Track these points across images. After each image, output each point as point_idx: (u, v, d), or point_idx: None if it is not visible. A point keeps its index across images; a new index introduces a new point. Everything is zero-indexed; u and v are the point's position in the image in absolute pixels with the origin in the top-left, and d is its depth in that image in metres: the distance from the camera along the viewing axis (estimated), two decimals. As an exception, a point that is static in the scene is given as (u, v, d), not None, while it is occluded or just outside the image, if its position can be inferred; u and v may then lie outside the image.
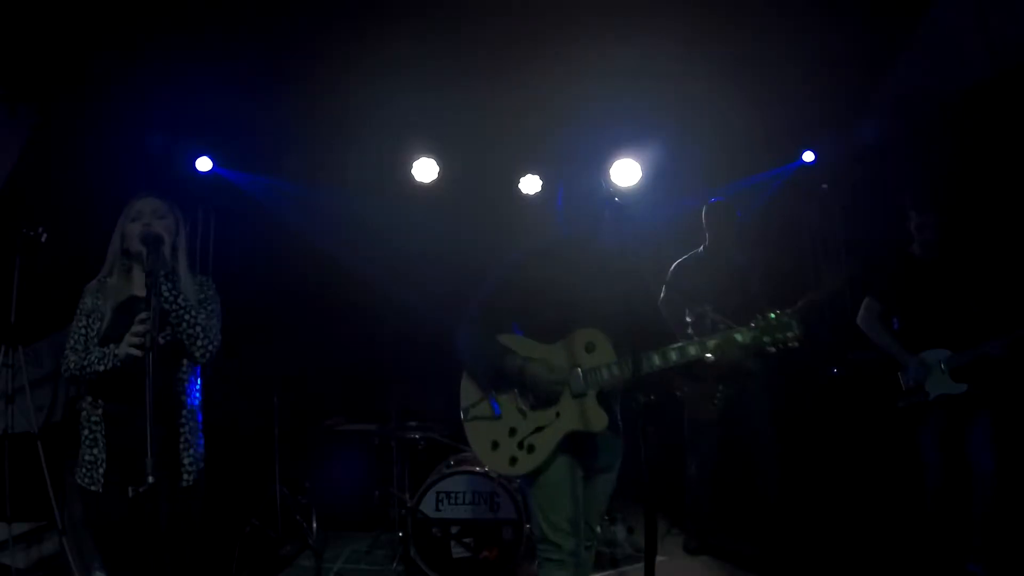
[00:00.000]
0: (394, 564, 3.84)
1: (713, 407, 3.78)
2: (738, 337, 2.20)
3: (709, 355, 2.18)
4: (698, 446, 3.92)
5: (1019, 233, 3.76)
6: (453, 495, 3.64)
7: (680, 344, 2.20)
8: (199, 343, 2.25)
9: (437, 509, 3.63)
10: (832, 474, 4.51)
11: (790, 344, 2.16)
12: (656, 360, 2.17)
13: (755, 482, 3.84)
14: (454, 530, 3.60)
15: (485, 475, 3.64)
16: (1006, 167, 3.92)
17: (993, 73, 3.76)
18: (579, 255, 2.36)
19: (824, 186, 5.07)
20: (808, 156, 5.08)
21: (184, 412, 2.29)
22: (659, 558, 3.76)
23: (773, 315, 2.19)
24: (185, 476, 2.25)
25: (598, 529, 2.44)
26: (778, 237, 5.00)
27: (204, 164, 5.05)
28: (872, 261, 3.71)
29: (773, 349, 2.17)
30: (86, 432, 2.20)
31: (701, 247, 3.98)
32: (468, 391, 2.35)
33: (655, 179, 4.92)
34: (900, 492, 4.08)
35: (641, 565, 1.78)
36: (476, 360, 2.32)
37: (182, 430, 2.28)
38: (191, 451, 2.28)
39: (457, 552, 3.58)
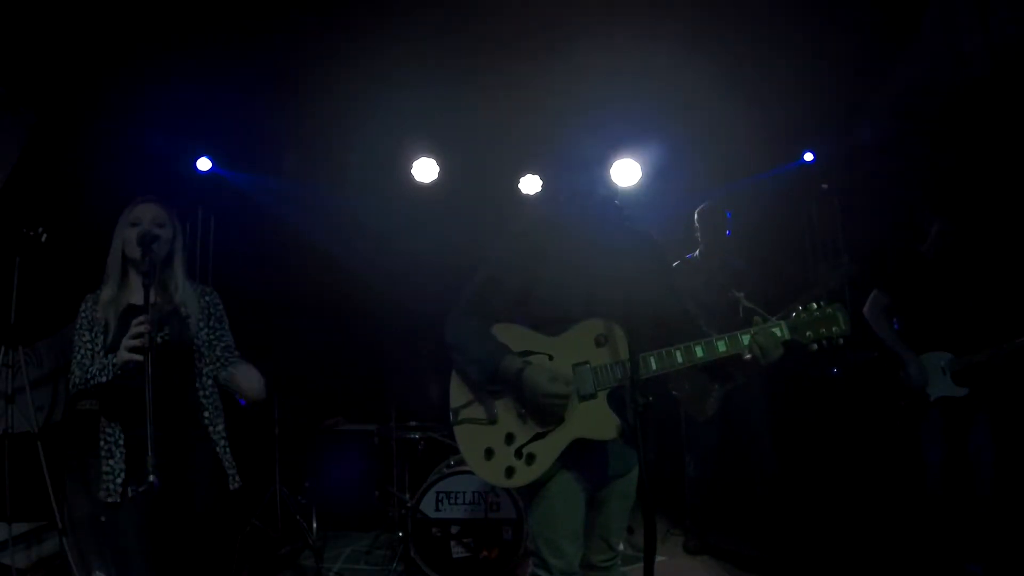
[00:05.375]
0: (394, 564, 3.84)
1: (710, 407, 3.78)
2: (776, 331, 1.90)
3: (747, 354, 1.89)
4: (696, 446, 3.92)
5: (1020, 234, 3.76)
6: (453, 495, 3.64)
7: (708, 339, 1.91)
8: (205, 357, 2.27)
9: (437, 509, 3.63)
10: (832, 474, 4.51)
11: (835, 341, 1.90)
12: (679, 357, 1.89)
13: (755, 482, 3.84)
14: (454, 530, 3.60)
15: (485, 475, 3.63)
16: (1006, 167, 3.92)
17: (993, 73, 3.76)
18: (587, 227, 2.06)
19: (824, 186, 5.07)
20: (808, 156, 5.08)
21: (207, 415, 2.29)
22: (659, 558, 3.76)
23: (816, 305, 1.92)
24: (234, 478, 2.30)
25: (621, 547, 2.15)
26: (778, 237, 5.00)
27: (204, 164, 5.05)
28: (880, 256, 3.71)
29: (815, 347, 1.90)
30: (101, 444, 2.16)
31: (697, 251, 3.97)
32: (459, 390, 2.06)
33: (655, 179, 4.92)
34: (900, 492, 4.08)
35: (641, 565, 1.74)
36: (468, 358, 2.00)
37: (214, 433, 2.29)
38: (229, 454, 2.31)
39: (457, 552, 3.58)
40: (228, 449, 2.32)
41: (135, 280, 2.29)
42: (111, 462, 2.14)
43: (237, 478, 2.31)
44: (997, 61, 3.68)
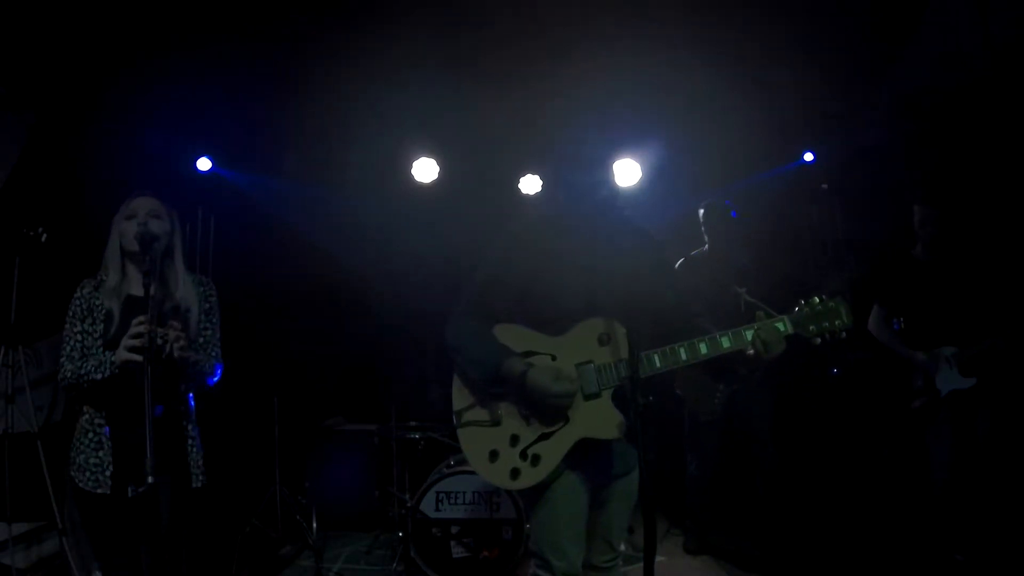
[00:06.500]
0: (394, 564, 3.84)
1: (713, 406, 3.78)
2: (780, 326, 1.90)
3: (750, 349, 1.89)
4: (698, 446, 3.92)
5: (1018, 232, 3.77)
6: (453, 495, 3.64)
7: (712, 336, 1.91)
8: (193, 358, 2.21)
9: (437, 509, 3.63)
10: (832, 474, 4.51)
11: (838, 334, 1.91)
12: (683, 354, 1.89)
13: (755, 482, 3.84)
14: (454, 530, 3.60)
15: (485, 475, 3.63)
16: (1006, 166, 3.93)
17: (993, 73, 3.77)
18: (587, 227, 2.05)
19: (824, 186, 5.08)
20: (808, 156, 5.09)
21: (189, 414, 2.30)
22: (659, 558, 3.76)
23: (818, 300, 1.93)
24: (198, 477, 2.27)
25: (622, 547, 2.15)
26: (778, 237, 5.00)
27: (204, 164, 5.05)
28: (874, 265, 3.73)
29: (819, 340, 1.92)
30: (90, 436, 2.14)
31: (705, 246, 3.97)
32: (461, 393, 2.04)
33: (655, 179, 4.92)
34: (901, 492, 4.08)
35: (641, 565, 1.74)
36: (469, 359, 1.98)
37: (189, 432, 2.28)
38: (198, 452, 2.29)
39: (457, 552, 3.58)
40: (197, 451, 2.29)
41: (133, 273, 2.28)
42: (100, 453, 2.12)
43: (202, 479, 2.28)
44: (997, 61, 3.69)
